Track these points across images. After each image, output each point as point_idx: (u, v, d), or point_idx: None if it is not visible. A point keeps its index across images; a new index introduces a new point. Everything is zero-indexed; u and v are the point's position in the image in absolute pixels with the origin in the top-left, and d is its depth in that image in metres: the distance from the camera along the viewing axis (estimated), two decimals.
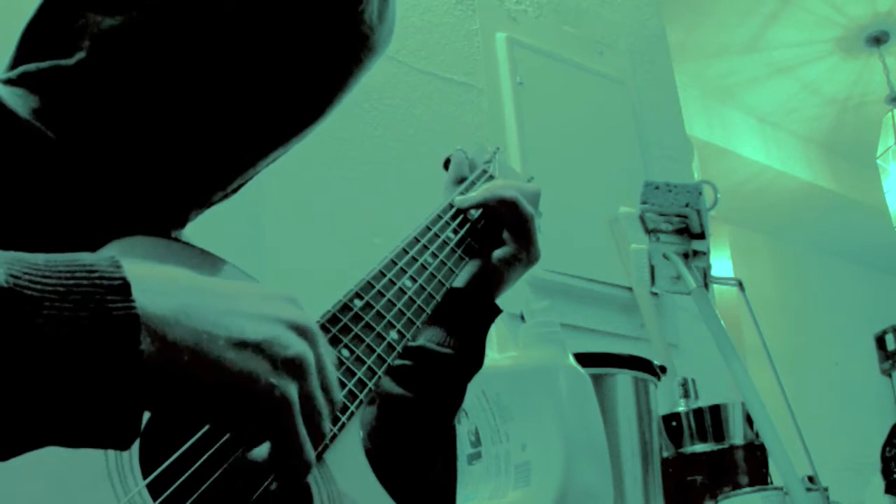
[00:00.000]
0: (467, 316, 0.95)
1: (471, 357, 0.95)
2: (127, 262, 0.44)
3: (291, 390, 0.48)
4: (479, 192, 0.98)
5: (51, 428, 0.41)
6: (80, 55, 0.70)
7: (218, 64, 0.70)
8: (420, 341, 0.93)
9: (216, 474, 0.57)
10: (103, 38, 0.70)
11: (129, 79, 0.70)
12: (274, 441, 0.49)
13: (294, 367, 0.49)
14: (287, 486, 0.51)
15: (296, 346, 0.50)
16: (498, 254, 0.98)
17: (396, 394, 0.91)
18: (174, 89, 0.70)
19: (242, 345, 0.47)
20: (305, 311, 0.53)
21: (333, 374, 0.53)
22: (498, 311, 0.98)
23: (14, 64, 0.74)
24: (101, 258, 0.44)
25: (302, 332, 0.51)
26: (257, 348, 0.47)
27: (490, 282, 0.97)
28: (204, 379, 0.45)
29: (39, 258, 0.42)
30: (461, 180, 1.02)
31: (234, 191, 0.81)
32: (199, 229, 0.82)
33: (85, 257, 0.44)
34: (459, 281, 0.97)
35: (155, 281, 0.45)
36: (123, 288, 0.43)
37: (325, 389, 0.52)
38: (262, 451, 0.54)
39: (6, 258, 0.41)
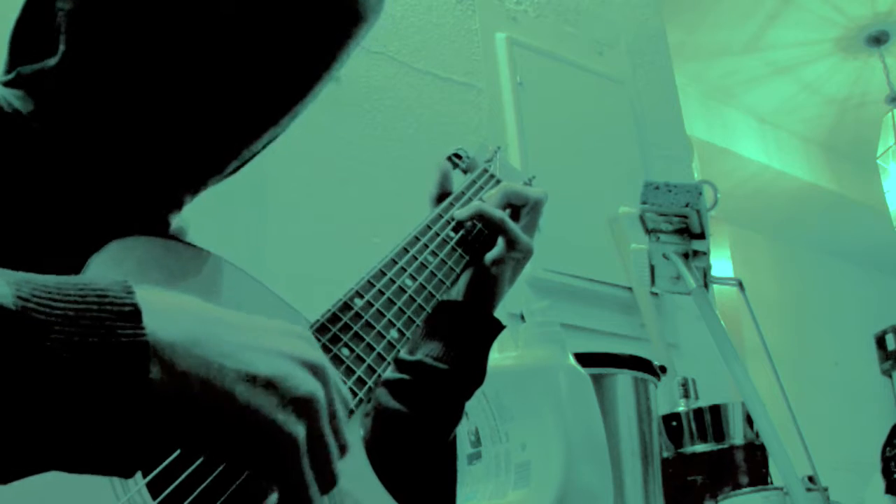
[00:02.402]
0: (465, 330, 0.95)
1: (469, 373, 0.95)
2: (139, 287, 0.44)
3: (299, 429, 0.47)
4: (461, 210, 0.97)
5: (55, 453, 0.41)
6: (62, 49, 0.70)
7: (204, 42, 0.69)
8: (418, 356, 0.93)
9: (215, 473, 0.57)
10: (73, 25, 0.69)
11: (112, 66, 0.69)
12: (278, 480, 0.48)
13: (304, 406, 0.48)
14: None
15: (307, 385, 0.48)
16: (489, 255, 0.97)
17: (392, 408, 0.91)
18: (162, 71, 0.69)
19: (253, 379, 0.46)
20: (319, 349, 0.52)
21: (344, 416, 0.52)
22: (500, 326, 0.97)
23: (10, 65, 0.74)
24: (112, 282, 0.43)
25: (314, 370, 0.50)
26: (268, 384, 0.46)
27: (487, 289, 0.97)
28: (212, 411, 0.44)
29: (50, 280, 0.42)
30: (445, 195, 1.01)
31: (232, 172, 0.79)
32: (202, 228, 0.82)
33: (96, 281, 0.43)
34: (457, 293, 0.97)
35: (166, 308, 0.44)
36: (134, 315, 0.42)
37: (335, 430, 0.51)
38: None
39: (15, 279, 0.41)
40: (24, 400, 0.39)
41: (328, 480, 0.50)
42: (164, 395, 0.42)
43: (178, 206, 0.78)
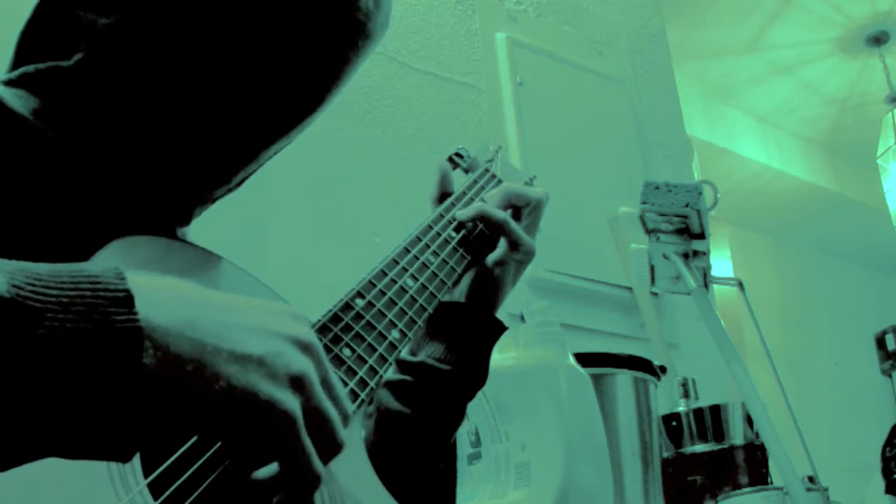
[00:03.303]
0: (467, 331, 0.95)
1: (471, 374, 0.95)
2: (131, 273, 0.44)
3: (294, 405, 0.48)
4: (462, 211, 0.97)
5: (51, 440, 0.41)
6: (78, 56, 0.70)
7: (215, 57, 0.70)
8: (420, 357, 0.93)
9: (216, 473, 0.57)
10: (100, 38, 0.70)
11: (127, 77, 0.70)
12: (279, 457, 0.49)
13: (296, 382, 0.49)
14: (296, 499, 0.51)
15: (298, 362, 0.49)
16: (491, 257, 0.98)
17: (394, 409, 0.91)
18: (173, 85, 0.70)
19: (245, 359, 0.47)
20: (309, 327, 0.53)
21: (341, 386, 0.53)
22: (502, 328, 0.98)
23: (14, 65, 0.74)
24: (105, 269, 0.43)
25: (304, 347, 0.51)
26: (259, 363, 0.47)
27: (489, 290, 0.97)
28: (205, 392, 0.45)
29: (42, 268, 0.42)
30: (446, 195, 1.01)
31: (238, 184, 0.80)
32: (201, 229, 0.82)
33: (89, 268, 0.43)
34: (459, 294, 0.97)
35: (159, 292, 0.45)
36: (127, 300, 0.42)
37: (334, 400, 0.52)
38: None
39: (9, 268, 0.41)
40: (18, 386, 0.39)
41: (333, 447, 0.51)
42: (158, 379, 0.43)
43: (187, 219, 0.79)
